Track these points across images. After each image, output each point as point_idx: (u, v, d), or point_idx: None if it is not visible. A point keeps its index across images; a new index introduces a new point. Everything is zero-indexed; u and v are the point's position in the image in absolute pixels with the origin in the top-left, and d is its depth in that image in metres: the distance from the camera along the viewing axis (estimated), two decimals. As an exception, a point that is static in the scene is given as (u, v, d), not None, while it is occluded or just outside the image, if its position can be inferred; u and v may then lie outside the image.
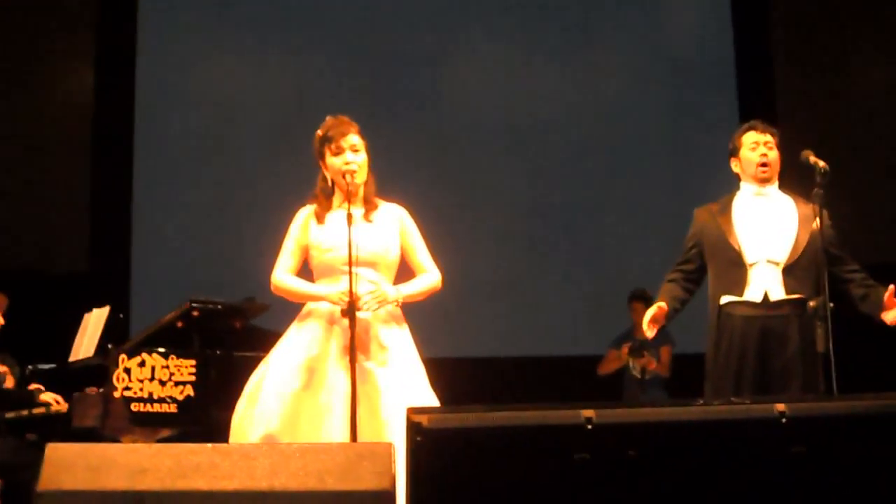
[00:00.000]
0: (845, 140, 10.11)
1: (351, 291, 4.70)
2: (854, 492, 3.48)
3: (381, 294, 4.86)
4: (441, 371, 5.23)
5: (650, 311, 5.61)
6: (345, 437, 4.57)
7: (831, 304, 5.32)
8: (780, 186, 5.73)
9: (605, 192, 10.50)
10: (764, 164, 5.65)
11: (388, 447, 3.05)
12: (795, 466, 3.41)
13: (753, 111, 9.60)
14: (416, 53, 10.63)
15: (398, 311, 5.01)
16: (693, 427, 3.32)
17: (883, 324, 5.55)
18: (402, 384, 4.82)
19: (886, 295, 5.44)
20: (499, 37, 10.76)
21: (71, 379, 6.38)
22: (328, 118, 5.14)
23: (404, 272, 5.14)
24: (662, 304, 5.62)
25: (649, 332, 5.65)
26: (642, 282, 9.68)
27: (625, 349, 8.85)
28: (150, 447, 3.07)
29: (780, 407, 3.40)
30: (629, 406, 3.36)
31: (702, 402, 3.43)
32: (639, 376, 8.67)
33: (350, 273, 4.71)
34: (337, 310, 4.82)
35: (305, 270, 5.09)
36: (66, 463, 2.89)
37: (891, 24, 10.44)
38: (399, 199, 5.21)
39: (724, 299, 5.57)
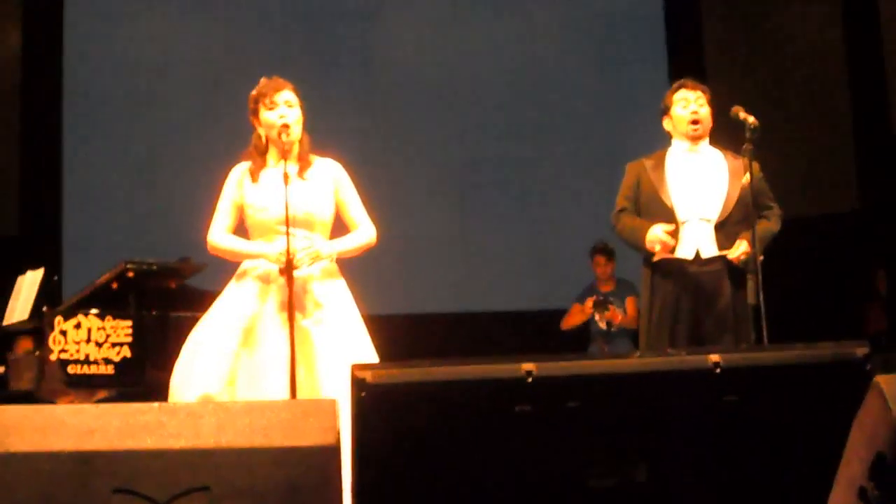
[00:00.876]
0: (774, 93, 10.23)
1: (288, 251, 4.71)
2: (784, 439, 3.57)
3: (314, 251, 4.87)
4: (380, 328, 5.26)
5: (661, 234, 5.53)
6: (283, 395, 4.59)
7: (760, 257, 5.43)
8: (711, 142, 5.80)
9: (538, 146, 10.56)
10: (695, 122, 5.71)
11: (333, 403, 3.09)
12: (728, 415, 3.49)
13: (682, 65, 9.71)
14: (348, 9, 10.60)
15: (334, 266, 5.02)
16: (631, 378, 3.38)
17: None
18: (339, 342, 4.84)
19: (738, 243, 5.49)
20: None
21: (5, 342, 6.35)
22: (263, 79, 5.13)
23: (339, 228, 5.16)
24: (663, 224, 5.57)
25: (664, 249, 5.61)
26: (575, 235, 9.79)
27: (589, 303, 8.81)
28: (97, 407, 3.08)
29: (714, 358, 3.46)
30: (568, 359, 3.40)
31: (638, 354, 3.49)
32: (605, 328, 8.70)
33: (287, 233, 4.71)
34: (273, 268, 4.83)
35: (241, 228, 5.09)
36: (11, 424, 2.89)
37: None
38: (334, 155, 5.21)
39: (657, 257, 5.63)
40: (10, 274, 6.88)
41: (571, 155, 10.51)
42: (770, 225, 5.72)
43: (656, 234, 5.54)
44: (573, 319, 9.09)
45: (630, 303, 8.87)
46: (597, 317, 8.74)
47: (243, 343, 4.82)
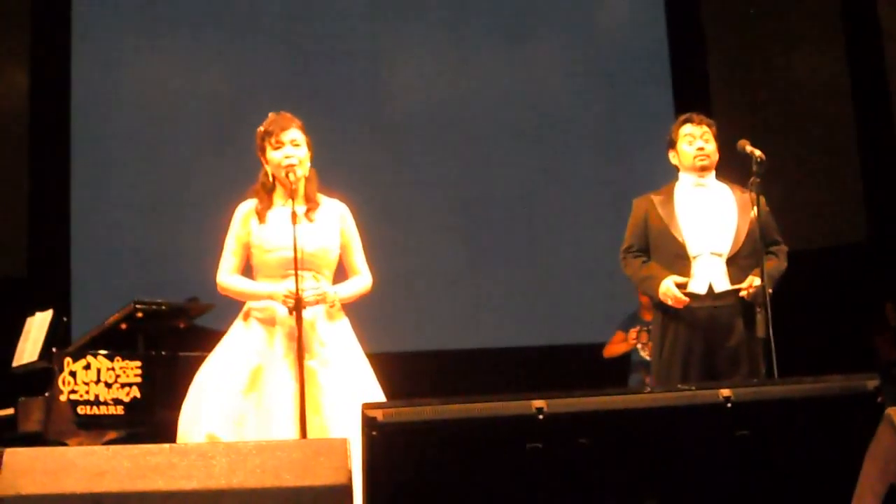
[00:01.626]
0: (780, 126, 10.25)
1: (297, 292, 4.71)
2: (797, 472, 3.56)
3: (322, 292, 4.87)
4: (387, 365, 5.25)
5: (674, 287, 5.57)
6: (291, 436, 4.58)
7: (770, 291, 5.44)
8: (718, 175, 5.81)
9: (543, 184, 10.57)
10: (702, 158, 5.72)
11: (344, 442, 3.08)
12: (740, 449, 3.49)
13: (688, 101, 9.72)
14: (352, 48, 10.64)
15: (337, 306, 5.01)
16: (642, 414, 3.39)
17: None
18: (346, 382, 4.83)
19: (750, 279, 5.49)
20: (435, 29, 10.79)
21: (15, 384, 6.35)
22: (271, 114, 5.13)
23: (338, 270, 5.17)
24: (676, 277, 5.59)
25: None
26: (583, 270, 9.78)
27: (633, 333, 8.56)
28: (107, 449, 3.08)
29: (725, 392, 3.47)
30: (578, 396, 3.40)
31: (650, 389, 3.49)
32: (648, 359, 8.31)
33: (296, 274, 4.71)
34: (279, 309, 4.83)
35: (247, 266, 5.09)
36: (23, 467, 2.89)
37: (821, 10, 10.58)
38: (339, 193, 5.21)
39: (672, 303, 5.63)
40: (19, 315, 6.87)
41: (578, 190, 10.52)
42: (779, 262, 5.72)
43: (669, 289, 5.57)
44: (615, 348, 8.84)
45: None
46: (639, 346, 8.51)
47: (250, 385, 4.80)
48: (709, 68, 10.77)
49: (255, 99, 9.74)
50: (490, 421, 3.23)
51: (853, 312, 9.63)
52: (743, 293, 5.47)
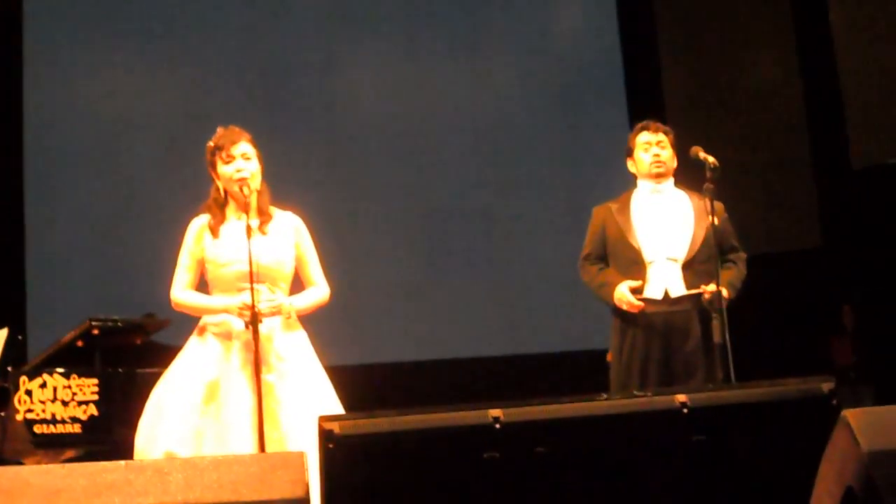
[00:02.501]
0: (733, 133, 10.31)
1: (253, 305, 4.69)
2: (754, 476, 3.58)
3: (278, 304, 4.86)
4: (345, 378, 5.24)
5: (628, 292, 5.60)
6: (250, 451, 4.56)
7: (731, 297, 5.48)
8: (676, 183, 5.85)
9: (500, 194, 10.57)
10: (658, 164, 5.77)
11: (301, 456, 3.07)
12: (697, 454, 3.51)
13: (642, 110, 9.76)
14: (304, 60, 10.61)
15: (294, 318, 5.01)
16: (599, 421, 3.40)
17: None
18: (303, 395, 4.82)
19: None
20: (386, 41, 10.78)
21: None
22: (219, 128, 5.11)
23: (295, 283, 5.16)
24: (630, 282, 5.64)
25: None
26: (540, 281, 9.79)
27: None
28: (62, 467, 3.05)
29: (681, 398, 3.49)
30: (535, 404, 3.41)
31: (606, 396, 3.50)
32: None
33: (252, 288, 4.70)
34: (234, 322, 4.81)
35: (202, 282, 5.07)
36: (-24, 487, 2.87)
37: (773, 19, 10.66)
38: (294, 206, 5.20)
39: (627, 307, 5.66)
40: (-26, 334, 6.81)
41: (534, 201, 10.53)
42: (738, 270, 5.78)
43: (624, 294, 5.62)
44: None
45: None
46: None
47: (207, 400, 4.78)
48: (662, 77, 10.81)
49: (208, 112, 9.68)
50: (447, 431, 3.23)
51: (808, 317, 9.69)
52: (705, 296, 5.50)
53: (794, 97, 10.52)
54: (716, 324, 5.34)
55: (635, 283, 5.63)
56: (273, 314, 4.85)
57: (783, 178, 10.41)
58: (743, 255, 5.85)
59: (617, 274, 5.72)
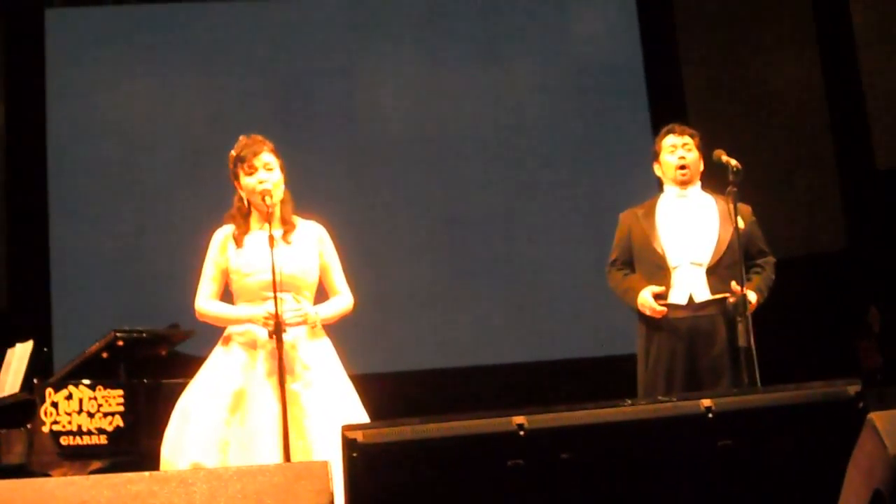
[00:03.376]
0: (757, 136, 10.28)
1: (277, 315, 4.69)
2: (781, 480, 3.56)
3: (304, 313, 4.86)
4: (369, 387, 5.24)
5: (651, 298, 5.61)
6: (275, 459, 4.56)
7: (760, 302, 5.46)
8: (703, 186, 5.84)
9: (521, 201, 10.57)
10: (682, 167, 5.76)
11: (325, 465, 3.07)
12: (723, 459, 3.49)
13: (664, 114, 9.74)
14: (327, 69, 10.64)
15: (319, 326, 5.01)
16: (623, 427, 3.38)
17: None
18: (329, 403, 4.81)
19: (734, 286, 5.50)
20: (410, 49, 10.80)
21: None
22: (241, 137, 5.11)
23: (320, 292, 5.15)
24: (653, 287, 5.64)
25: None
26: (561, 287, 9.78)
27: None
28: (87, 479, 3.06)
29: (706, 402, 3.47)
30: (559, 411, 3.39)
31: (630, 402, 3.48)
32: None
33: (275, 298, 4.70)
34: (259, 332, 4.81)
35: (227, 292, 5.07)
36: (4, 500, 2.87)
37: (795, 20, 10.63)
38: (316, 215, 5.20)
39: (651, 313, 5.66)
40: (0, 346, 6.85)
41: (556, 207, 10.52)
42: (767, 274, 5.75)
43: (646, 300, 5.63)
44: None
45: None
46: None
47: (233, 409, 4.78)
48: (684, 80, 10.79)
49: (230, 123, 9.71)
50: (471, 439, 3.22)
51: (834, 320, 9.65)
52: (730, 300, 5.47)
53: (817, 98, 10.48)
54: (741, 328, 5.31)
55: (658, 289, 5.62)
56: (299, 323, 4.84)
57: (807, 180, 10.38)
58: (772, 260, 5.82)
59: (641, 279, 5.72)
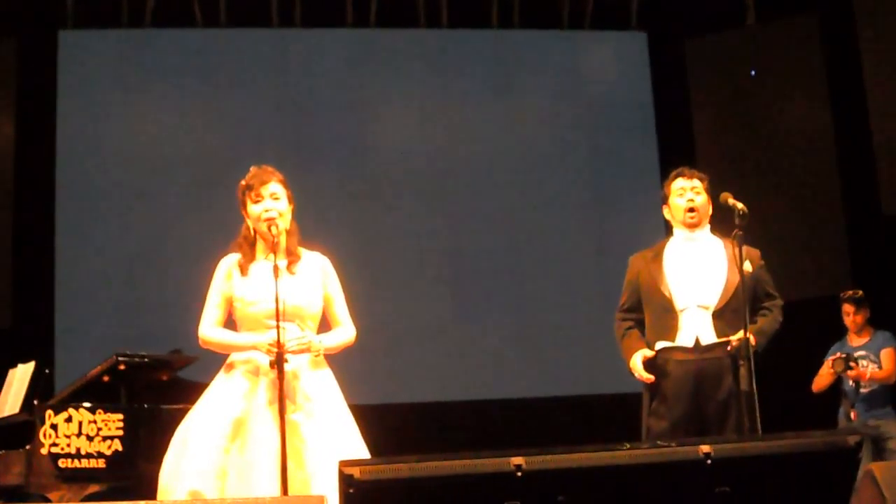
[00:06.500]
0: (764, 179, 10.28)
1: (279, 344, 4.69)
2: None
3: (307, 341, 4.87)
4: (368, 417, 5.23)
5: (640, 364, 5.68)
6: (273, 490, 4.55)
7: (759, 344, 5.46)
8: (712, 230, 5.85)
9: (529, 235, 10.58)
10: (691, 210, 5.78)
11: (321, 500, 3.06)
12: (720, 507, 3.48)
13: (673, 154, 9.78)
14: (337, 100, 10.66)
15: (321, 357, 5.01)
16: (621, 471, 3.38)
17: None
18: (328, 435, 4.81)
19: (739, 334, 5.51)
20: (419, 82, 10.84)
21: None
22: (252, 168, 5.14)
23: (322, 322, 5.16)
24: (645, 351, 5.70)
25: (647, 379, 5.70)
26: (566, 322, 9.77)
27: (828, 361, 8.21)
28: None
29: (705, 448, 3.46)
30: (557, 452, 3.39)
31: (629, 445, 3.48)
32: (854, 387, 8.03)
33: (277, 328, 4.70)
34: (262, 360, 4.81)
35: (230, 320, 5.08)
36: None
37: (805, 63, 10.65)
38: (322, 246, 5.21)
39: (659, 345, 5.70)
40: (1, 367, 6.84)
41: (563, 242, 10.53)
42: (773, 316, 5.76)
43: (636, 366, 5.70)
44: (822, 381, 8.36)
45: (887, 355, 8.19)
46: (844, 375, 8.07)
47: (233, 437, 4.78)
48: (693, 120, 10.81)
49: (239, 151, 9.78)
50: (468, 478, 3.22)
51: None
52: (732, 343, 5.48)
53: (825, 142, 10.49)
54: (743, 371, 5.31)
55: (650, 354, 5.67)
56: (302, 351, 4.85)
57: (813, 222, 10.37)
58: (779, 303, 5.83)
59: (639, 339, 5.78)
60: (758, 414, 5.19)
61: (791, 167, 10.48)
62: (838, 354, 8.23)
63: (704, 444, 3.46)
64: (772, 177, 10.38)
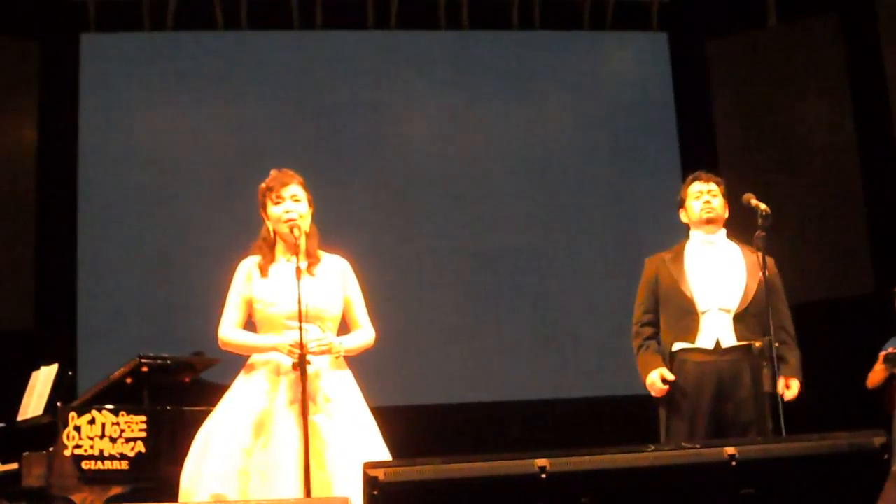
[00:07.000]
0: (786, 179, 10.25)
1: (302, 345, 4.70)
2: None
3: (328, 343, 4.87)
4: (389, 419, 5.23)
5: (658, 384, 5.70)
6: (295, 491, 4.55)
7: (777, 345, 5.44)
8: (728, 234, 5.86)
9: (549, 237, 10.56)
10: (707, 210, 5.79)
11: (345, 502, 3.06)
12: (745, 508, 3.47)
13: (694, 155, 9.76)
14: (358, 103, 10.66)
15: (341, 359, 5.01)
16: (646, 473, 3.37)
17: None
18: (349, 436, 4.81)
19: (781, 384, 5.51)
20: (441, 84, 10.83)
21: (20, 438, 6.32)
22: (273, 171, 5.15)
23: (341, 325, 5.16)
24: (663, 371, 5.71)
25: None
26: (587, 324, 9.75)
27: (881, 356, 8.07)
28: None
29: (730, 450, 3.45)
30: (581, 454, 3.38)
31: (653, 447, 3.47)
32: None
33: (300, 329, 4.71)
34: (283, 361, 4.82)
35: (250, 322, 5.08)
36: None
37: (827, 65, 10.61)
38: (341, 248, 5.22)
39: (677, 346, 5.70)
40: (25, 369, 6.86)
41: (583, 245, 10.51)
42: (796, 353, 5.76)
43: (654, 384, 5.71)
44: (875, 377, 8.22)
45: None
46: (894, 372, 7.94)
47: (255, 438, 4.78)
48: (715, 121, 10.78)
49: (261, 154, 9.79)
50: (492, 480, 3.22)
51: (862, 364, 9.57)
52: (756, 345, 5.48)
53: (847, 142, 10.45)
54: (766, 373, 5.30)
55: (670, 377, 5.68)
56: (323, 353, 4.85)
57: (835, 223, 10.33)
58: (793, 333, 5.81)
59: (656, 354, 5.79)
60: (782, 415, 5.18)
61: (813, 167, 10.44)
62: (891, 349, 8.16)
63: (729, 445, 3.46)
64: (793, 177, 10.34)
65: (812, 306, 6.44)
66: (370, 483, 3.09)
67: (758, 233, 5.49)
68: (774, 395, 5.31)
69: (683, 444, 4.38)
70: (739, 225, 5.86)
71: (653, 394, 5.72)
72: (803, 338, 5.86)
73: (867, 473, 3.49)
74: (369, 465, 3.14)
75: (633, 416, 8.61)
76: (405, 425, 7.16)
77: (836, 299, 9.81)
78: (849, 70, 10.53)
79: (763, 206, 5.49)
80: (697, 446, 3.66)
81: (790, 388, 5.59)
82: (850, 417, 8.29)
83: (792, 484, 3.52)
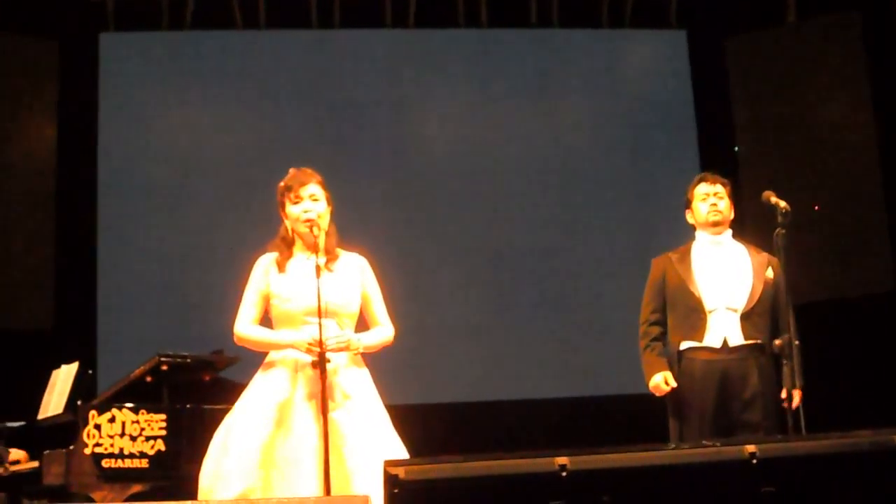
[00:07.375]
0: (806, 177, 10.21)
1: (321, 343, 4.70)
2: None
3: (346, 339, 4.87)
4: (410, 418, 5.24)
5: (662, 387, 5.78)
6: (316, 487, 4.56)
7: (797, 342, 5.43)
8: (735, 235, 5.90)
9: (568, 236, 10.54)
10: (715, 212, 5.83)
11: (366, 500, 3.07)
12: (766, 506, 3.46)
13: (713, 153, 9.73)
14: (376, 102, 10.66)
15: (358, 356, 5.02)
16: (665, 471, 3.37)
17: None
18: (367, 433, 4.82)
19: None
20: (458, 82, 10.81)
21: (40, 436, 6.35)
22: (291, 170, 5.16)
23: (360, 323, 5.16)
24: (667, 374, 5.78)
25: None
26: (604, 323, 9.73)
27: None
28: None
29: (751, 448, 3.45)
30: (601, 452, 3.38)
31: (673, 446, 3.47)
32: None
33: (320, 326, 4.72)
34: (300, 357, 4.82)
35: (266, 318, 5.09)
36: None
37: (846, 60, 10.57)
38: (364, 247, 5.23)
39: (684, 345, 5.76)
40: (45, 368, 6.89)
41: (602, 244, 10.49)
42: (798, 360, 5.74)
43: (659, 386, 5.80)
44: None
45: None
46: None
47: (275, 433, 4.79)
48: (734, 119, 10.75)
49: (280, 152, 9.79)
50: (512, 478, 3.22)
51: (883, 361, 9.54)
52: (776, 343, 5.46)
53: (867, 139, 10.40)
54: (786, 371, 5.30)
55: (673, 383, 5.75)
56: (341, 349, 4.86)
57: (855, 221, 10.29)
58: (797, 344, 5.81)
59: (661, 356, 5.85)
60: (802, 414, 5.18)
61: (832, 165, 10.39)
62: None
63: (750, 443, 3.45)
64: (813, 175, 10.30)
65: (833, 304, 6.41)
66: (390, 481, 3.09)
67: (777, 230, 5.48)
68: (790, 395, 5.33)
69: (704, 442, 4.38)
70: (756, 219, 5.86)
71: (656, 394, 5.81)
72: (823, 336, 5.86)
73: (889, 472, 3.47)
74: (390, 464, 3.14)
75: (654, 414, 8.62)
76: (424, 423, 7.18)
77: (857, 297, 9.77)
78: (869, 67, 10.49)
79: (783, 203, 5.48)
80: (718, 444, 3.66)
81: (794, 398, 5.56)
82: (871, 415, 8.28)
83: (813, 482, 3.51)
